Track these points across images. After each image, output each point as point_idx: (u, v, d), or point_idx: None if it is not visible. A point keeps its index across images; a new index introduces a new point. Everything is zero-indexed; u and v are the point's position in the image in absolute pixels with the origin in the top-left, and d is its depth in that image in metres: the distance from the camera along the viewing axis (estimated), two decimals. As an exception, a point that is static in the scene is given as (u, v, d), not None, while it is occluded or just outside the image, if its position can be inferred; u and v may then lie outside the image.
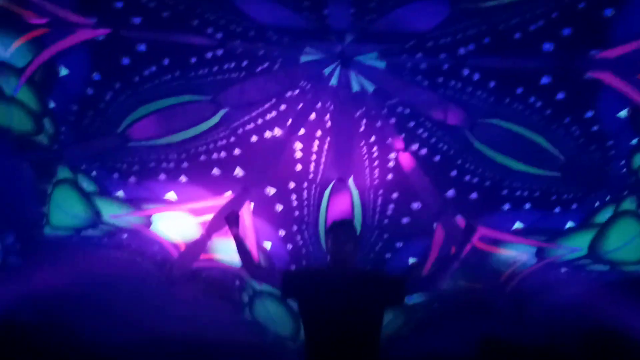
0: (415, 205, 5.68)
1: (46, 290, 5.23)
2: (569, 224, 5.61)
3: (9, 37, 5.40)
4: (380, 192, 5.71)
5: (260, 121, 5.70)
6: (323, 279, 3.69)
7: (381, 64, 5.66)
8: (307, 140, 5.72)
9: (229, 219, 3.86)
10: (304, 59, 5.67)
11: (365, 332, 3.59)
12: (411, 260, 5.70)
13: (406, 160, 5.68)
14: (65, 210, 5.57)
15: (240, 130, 5.70)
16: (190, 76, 5.62)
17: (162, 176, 5.70)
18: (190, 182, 5.69)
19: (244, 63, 5.62)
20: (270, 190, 5.71)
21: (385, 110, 5.69)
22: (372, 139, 5.71)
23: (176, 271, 5.62)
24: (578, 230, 5.61)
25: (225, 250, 5.52)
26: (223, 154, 5.70)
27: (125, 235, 5.63)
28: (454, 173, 5.67)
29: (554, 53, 5.42)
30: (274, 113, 5.70)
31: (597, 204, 5.60)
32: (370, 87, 5.70)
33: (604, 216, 5.56)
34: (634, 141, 5.48)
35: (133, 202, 5.66)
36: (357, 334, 3.56)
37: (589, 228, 5.57)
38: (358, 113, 5.70)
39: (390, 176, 5.71)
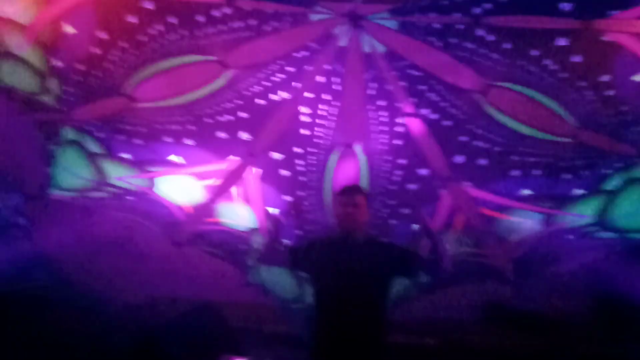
0: (423, 172, 5.62)
1: (54, 251, 5.28)
2: (579, 191, 5.54)
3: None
4: (389, 157, 5.64)
5: (268, 84, 5.60)
6: (330, 247, 3.68)
7: (393, 24, 5.53)
8: (315, 104, 5.62)
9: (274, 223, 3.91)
10: (313, 17, 5.54)
11: (372, 295, 3.61)
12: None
13: (416, 125, 5.60)
14: (70, 171, 5.55)
15: (247, 92, 5.61)
16: (198, 35, 5.51)
17: (168, 138, 5.65)
18: (196, 145, 5.65)
19: (253, 22, 5.50)
20: (276, 155, 5.66)
21: (396, 72, 5.57)
22: (382, 103, 5.61)
23: (182, 233, 5.62)
24: (587, 197, 5.54)
25: (231, 215, 5.51)
26: (229, 116, 5.62)
27: (130, 197, 5.62)
28: (464, 138, 5.58)
29: (572, 13, 5.25)
30: (283, 75, 5.60)
31: (608, 170, 5.52)
32: (381, 48, 5.58)
33: (614, 183, 5.49)
34: (650, 107, 5.35)
35: (138, 164, 5.63)
36: (365, 297, 3.57)
37: (599, 195, 5.51)
38: (368, 75, 5.58)
39: (398, 141, 5.63)
